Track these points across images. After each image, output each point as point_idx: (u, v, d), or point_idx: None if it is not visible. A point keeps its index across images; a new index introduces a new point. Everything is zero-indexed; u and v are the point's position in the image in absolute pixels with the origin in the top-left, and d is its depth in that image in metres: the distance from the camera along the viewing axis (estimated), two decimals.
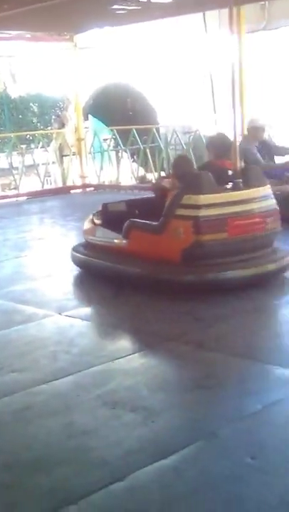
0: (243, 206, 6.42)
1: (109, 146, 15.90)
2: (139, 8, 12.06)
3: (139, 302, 6.22)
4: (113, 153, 16.05)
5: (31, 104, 23.36)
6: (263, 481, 3.19)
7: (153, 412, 3.97)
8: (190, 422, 3.84)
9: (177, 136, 14.95)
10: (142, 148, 14.76)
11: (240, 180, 6.56)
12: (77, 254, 7.40)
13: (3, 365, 4.88)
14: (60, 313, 6.03)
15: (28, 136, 19.37)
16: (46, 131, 18.80)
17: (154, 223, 6.60)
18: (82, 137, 15.41)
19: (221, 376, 4.51)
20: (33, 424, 3.95)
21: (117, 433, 3.76)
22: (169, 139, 15.30)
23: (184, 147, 14.49)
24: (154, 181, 8.33)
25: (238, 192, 6.49)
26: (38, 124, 22.62)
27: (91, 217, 7.63)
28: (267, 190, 6.70)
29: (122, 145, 15.37)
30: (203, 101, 17.30)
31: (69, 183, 15.51)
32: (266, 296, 6.18)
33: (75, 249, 7.55)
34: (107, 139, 16.04)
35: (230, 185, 6.59)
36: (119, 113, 18.68)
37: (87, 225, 7.65)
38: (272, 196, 6.69)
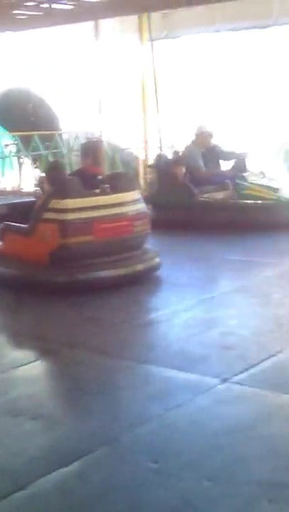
0: (109, 210, 6.72)
1: (11, 151, 15.76)
2: (41, 13, 12.03)
3: (38, 307, 6.24)
4: (15, 159, 15.93)
5: None
6: (165, 484, 3.22)
7: (55, 419, 3.97)
8: (93, 429, 3.83)
9: (80, 142, 14.94)
10: (44, 154, 14.69)
11: (108, 185, 6.82)
12: None
13: None
14: None
15: None
16: None
17: (24, 226, 6.81)
18: None
19: (122, 382, 4.53)
20: None
21: (20, 442, 3.73)
22: (71, 145, 15.29)
23: None
24: None
25: (104, 197, 6.76)
26: None
27: None
28: (136, 195, 7.07)
29: (24, 151, 15.27)
30: (106, 107, 17.32)
31: None
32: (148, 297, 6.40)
33: None
34: (8, 145, 15.90)
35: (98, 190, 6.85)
36: (21, 119, 18.51)
37: None
38: (142, 201, 7.07)
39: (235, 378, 4.40)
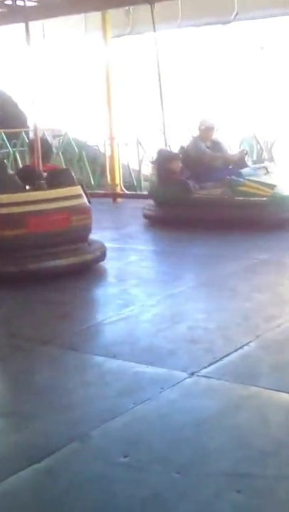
0: (44, 205, 7.10)
1: None
2: (5, 10, 12.00)
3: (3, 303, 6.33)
4: None
5: None
6: (135, 478, 3.28)
7: (26, 416, 4.00)
8: (64, 425, 3.88)
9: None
10: (11, 152, 14.66)
11: (44, 181, 7.22)
12: None
13: None
14: None
15: None
16: None
17: None
18: None
19: (92, 377, 4.58)
20: None
21: None
22: None
23: (54, 151, 14.47)
24: None
25: (38, 192, 7.19)
26: None
27: None
28: (74, 190, 7.40)
29: None
30: (72, 104, 17.33)
31: None
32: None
33: None
34: None
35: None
36: None
37: None
38: (82, 196, 7.45)
39: (203, 371, 4.47)
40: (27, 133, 15.72)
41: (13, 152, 14.65)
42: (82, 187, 7.67)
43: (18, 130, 15.86)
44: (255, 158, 12.93)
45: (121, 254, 8.44)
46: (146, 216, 10.11)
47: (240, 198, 9.29)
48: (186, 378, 4.40)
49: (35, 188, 7.26)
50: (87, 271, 7.23)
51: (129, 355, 4.89)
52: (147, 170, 13.36)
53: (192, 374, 4.45)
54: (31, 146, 7.96)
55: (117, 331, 5.52)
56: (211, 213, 9.22)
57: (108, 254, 7.69)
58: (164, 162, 10.04)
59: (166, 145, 10.65)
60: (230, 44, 15.01)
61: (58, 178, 7.46)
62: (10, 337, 5.52)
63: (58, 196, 7.24)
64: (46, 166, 7.64)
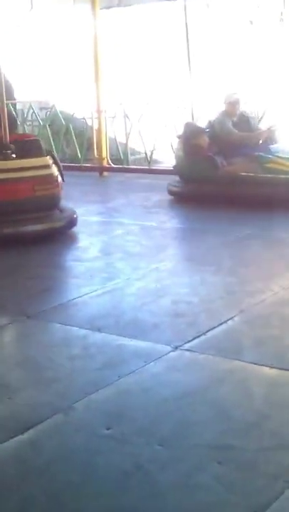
0: (8, 174, 7.52)
1: None
2: None
3: None
4: None
5: None
6: (118, 450, 3.31)
7: (11, 389, 4.02)
8: (48, 397, 3.90)
9: (34, 112, 14.83)
10: None
11: (9, 151, 7.60)
12: None
13: None
14: None
15: None
16: None
17: None
18: None
19: (76, 350, 4.60)
20: None
21: None
22: (25, 115, 15.18)
23: (41, 123, 14.40)
24: None
25: (3, 162, 7.58)
26: None
27: None
28: (41, 161, 7.75)
29: None
30: (61, 76, 17.23)
31: None
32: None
33: None
34: None
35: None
36: None
37: None
38: (49, 166, 7.78)
39: (187, 345, 4.50)
40: (14, 105, 15.61)
41: None
42: (53, 158, 7.94)
43: (5, 102, 15.73)
44: None
45: (106, 228, 8.46)
46: (171, 192, 9.85)
47: (269, 175, 9.05)
48: (169, 352, 4.43)
49: (1, 158, 7.60)
50: (69, 243, 7.46)
51: (113, 328, 4.91)
52: (133, 143, 13.35)
53: (176, 348, 4.48)
54: None
55: (101, 304, 5.54)
56: (238, 190, 9.01)
57: (93, 228, 7.69)
58: (190, 137, 9.77)
59: (193, 119, 10.43)
60: (219, 19, 14.91)
61: (26, 149, 7.76)
62: None
63: (23, 166, 7.60)
64: (14, 136, 7.96)
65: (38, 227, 7.51)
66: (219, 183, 9.26)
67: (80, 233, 7.93)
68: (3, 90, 8.01)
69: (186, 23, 10.53)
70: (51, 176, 7.76)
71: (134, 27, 15.95)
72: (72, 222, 7.91)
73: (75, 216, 7.98)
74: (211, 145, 9.66)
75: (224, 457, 3.20)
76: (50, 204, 7.74)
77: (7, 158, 7.61)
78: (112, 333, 4.80)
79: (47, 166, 7.77)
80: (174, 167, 10.16)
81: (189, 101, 10.75)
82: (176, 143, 10.42)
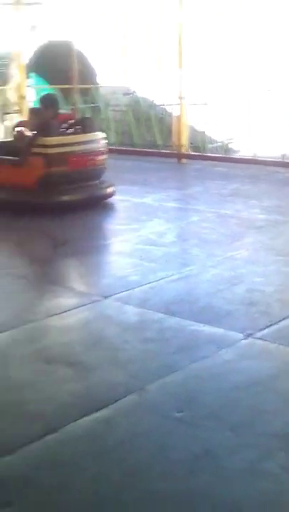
0: (79, 147, 8.59)
1: None
2: None
3: (74, 255, 6.71)
4: None
5: None
6: (189, 433, 3.41)
7: (87, 367, 4.15)
8: (122, 378, 4.02)
9: (116, 97, 14.95)
10: (82, 108, 14.74)
11: (79, 127, 8.82)
12: None
13: None
14: None
15: None
16: None
17: (15, 158, 8.55)
18: (24, 95, 15.30)
19: (151, 333, 4.70)
20: None
21: (52, 387, 3.93)
22: (108, 100, 15.32)
23: (124, 108, 14.51)
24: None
25: (76, 136, 8.75)
26: None
27: None
28: (98, 135, 8.98)
29: (63, 104, 15.30)
30: (143, 62, 17.28)
31: None
32: None
33: None
34: None
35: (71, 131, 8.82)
36: (61, 72, 18.51)
37: None
38: (103, 141, 8.97)
39: (259, 334, 4.57)
40: (97, 89, 15.77)
41: (84, 108, 14.72)
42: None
43: (89, 86, 15.92)
44: None
45: (183, 214, 8.54)
46: None
47: None
48: (241, 339, 4.51)
49: (73, 132, 8.79)
50: (147, 228, 7.68)
51: (187, 313, 5.01)
52: (211, 131, 13.34)
53: (248, 336, 4.55)
54: (47, 100, 9.19)
55: (176, 289, 5.63)
56: None
57: (170, 213, 7.80)
58: None
59: None
60: None
61: (85, 125, 8.91)
62: (73, 289, 5.72)
63: (89, 139, 8.78)
64: (66, 116, 9.41)
65: (102, 192, 8.75)
66: None
67: (156, 218, 8.05)
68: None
69: None
70: (105, 148, 8.95)
71: (218, 12, 15.87)
72: (114, 191, 8.96)
73: (114, 186, 8.98)
74: None
75: None
76: (102, 173, 8.90)
77: (79, 132, 8.78)
78: (186, 319, 4.90)
79: (103, 139, 8.98)
80: None
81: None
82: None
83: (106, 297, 5.39)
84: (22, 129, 9.02)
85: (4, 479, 3.07)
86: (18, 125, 9.43)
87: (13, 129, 9.45)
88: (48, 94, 9.91)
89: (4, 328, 4.82)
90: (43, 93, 10.81)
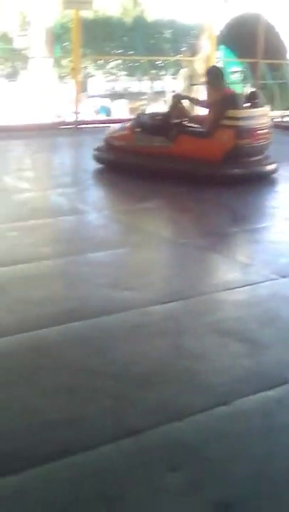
0: (259, 120, 8.67)
1: (237, 79, 15.70)
2: None
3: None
4: (239, 87, 15.86)
5: (165, 30, 23.03)
6: None
7: (261, 345, 4.07)
8: None
9: None
10: (270, 84, 14.56)
11: (257, 100, 8.85)
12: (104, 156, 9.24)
13: (119, 282, 5.06)
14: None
15: (160, 62, 19.21)
16: (177, 59, 18.61)
17: (202, 130, 8.66)
18: None
19: None
20: (145, 342, 4.10)
21: (224, 361, 3.88)
22: None
23: None
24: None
25: (257, 109, 8.78)
26: (170, 51, 22.36)
27: (127, 125, 9.32)
28: (268, 109, 9.20)
29: (250, 79, 15.18)
30: None
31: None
32: None
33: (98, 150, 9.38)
34: (236, 72, 15.84)
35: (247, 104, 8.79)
36: (251, 45, 18.33)
37: (119, 132, 9.29)
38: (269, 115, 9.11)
39: None
40: (287, 66, 15.51)
41: (272, 85, 14.51)
42: None
43: (280, 62, 15.67)
44: None
45: None
46: None
47: None
48: None
49: (251, 106, 8.78)
50: None
51: None
52: None
53: None
54: (216, 75, 9.08)
55: None
56: None
57: None
58: None
59: None
60: None
61: (256, 99, 8.95)
62: (249, 266, 5.65)
63: (265, 113, 8.94)
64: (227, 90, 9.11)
65: (268, 167, 8.79)
66: None
67: None
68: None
69: None
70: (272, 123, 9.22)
71: None
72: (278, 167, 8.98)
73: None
74: None
75: None
76: (268, 148, 8.91)
77: (256, 106, 8.80)
78: None
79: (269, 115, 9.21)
80: None
81: None
82: None
83: (284, 276, 5.27)
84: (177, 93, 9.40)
85: (171, 445, 3.05)
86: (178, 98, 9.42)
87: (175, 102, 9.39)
88: (214, 67, 9.99)
89: (179, 297, 4.82)
90: (209, 66, 10.96)
